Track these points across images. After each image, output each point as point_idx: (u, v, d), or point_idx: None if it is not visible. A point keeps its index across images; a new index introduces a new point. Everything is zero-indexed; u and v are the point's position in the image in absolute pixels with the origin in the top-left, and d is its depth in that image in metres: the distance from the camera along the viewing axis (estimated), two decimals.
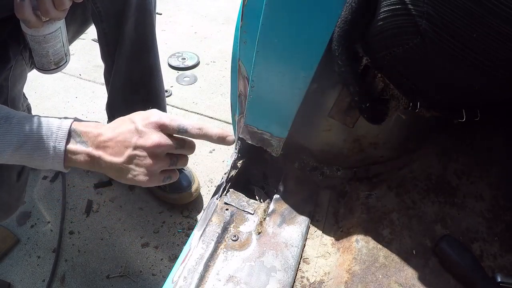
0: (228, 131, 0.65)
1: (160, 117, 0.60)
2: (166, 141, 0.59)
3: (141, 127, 0.59)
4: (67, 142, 0.59)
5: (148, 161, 0.59)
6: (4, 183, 0.81)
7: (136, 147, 0.59)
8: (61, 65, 0.88)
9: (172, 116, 0.61)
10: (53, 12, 0.72)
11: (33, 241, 1.16)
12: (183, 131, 0.60)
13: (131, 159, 0.59)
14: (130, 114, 0.63)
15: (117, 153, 0.59)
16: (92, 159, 0.60)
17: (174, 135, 0.61)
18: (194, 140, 0.64)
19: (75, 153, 0.60)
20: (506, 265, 0.63)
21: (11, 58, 0.88)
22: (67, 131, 0.60)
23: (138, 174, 0.60)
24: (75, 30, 1.03)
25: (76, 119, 0.62)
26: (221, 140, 0.64)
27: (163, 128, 0.60)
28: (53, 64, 0.86)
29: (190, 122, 0.61)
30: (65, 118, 0.62)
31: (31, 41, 0.81)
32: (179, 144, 0.61)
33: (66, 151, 0.60)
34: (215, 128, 0.63)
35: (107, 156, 0.60)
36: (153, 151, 0.59)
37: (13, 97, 0.91)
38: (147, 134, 0.59)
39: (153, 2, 1.03)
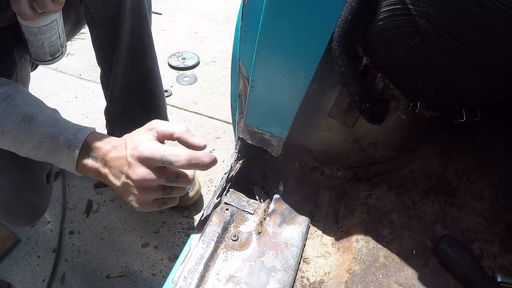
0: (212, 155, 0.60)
1: (146, 148, 0.57)
2: (151, 176, 0.57)
3: (129, 157, 0.58)
4: (80, 154, 0.62)
5: (137, 191, 0.58)
6: (38, 186, 0.83)
7: (127, 176, 0.58)
8: (57, 57, 0.88)
9: (156, 147, 0.57)
10: (49, 5, 0.72)
11: (33, 241, 1.16)
12: (167, 163, 0.57)
13: (124, 185, 0.60)
14: (130, 134, 0.62)
15: (116, 176, 0.60)
16: (100, 175, 0.62)
17: (165, 167, 0.58)
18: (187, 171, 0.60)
19: (85, 166, 0.63)
20: (506, 265, 0.63)
21: (17, 61, 0.89)
22: (81, 143, 0.62)
23: (132, 200, 0.60)
24: (68, 30, 1.03)
25: (93, 132, 0.63)
26: (213, 163, 0.60)
27: (148, 161, 0.57)
28: (48, 55, 0.86)
29: (175, 153, 0.56)
30: (85, 127, 0.64)
31: (26, 32, 0.80)
32: (169, 179, 0.58)
33: (78, 163, 0.62)
34: (205, 156, 0.58)
35: (110, 176, 0.61)
36: (142, 184, 0.57)
37: None
38: (133, 167, 0.57)
39: (148, 5, 1.02)
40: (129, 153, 0.58)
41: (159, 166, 0.57)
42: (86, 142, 0.62)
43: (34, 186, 0.82)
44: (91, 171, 0.63)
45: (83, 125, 0.65)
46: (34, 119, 0.63)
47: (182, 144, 0.60)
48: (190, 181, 0.60)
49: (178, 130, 0.60)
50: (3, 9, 0.77)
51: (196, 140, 0.60)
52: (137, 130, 0.63)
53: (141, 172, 0.57)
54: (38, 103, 0.67)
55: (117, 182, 0.60)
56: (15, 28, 0.86)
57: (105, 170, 0.61)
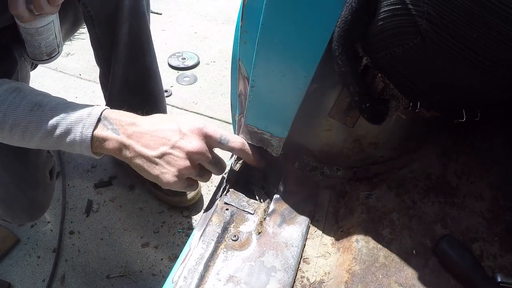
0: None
1: (205, 126, 0.60)
2: (206, 149, 0.60)
3: (185, 130, 0.59)
4: (95, 128, 0.60)
5: (183, 163, 0.59)
6: (41, 183, 0.83)
7: (174, 147, 0.59)
8: (53, 56, 0.89)
9: (215, 127, 0.61)
10: (46, 7, 0.73)
11: (33, 241, 1.16)
12: (225, 141, 0.61)
13: (165, 156, 0.59)
14: (172, 115, 0.63)
15: (151, 146, 0.59)
16: (121, 146, 0.61)
17: (213, 150, 0.62)
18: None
19: (104, 139, 0.60)
20: (506, 265, 0.63)
21: (17, 60, 0.89)
22: (97, 118, 0.60)
23: (167, 172, 0.60)
24: (67, 29, 1.03)
25: (108, 108, 0.63)
26: (259, 163, 0.65)
27: (207, 137, 0.60)
28: (45, 55, 0.87)
29: (231, 135, 0.63)
30: (99, 105, 0.63)
31: (24, 33, 0.81)
32: (215, 159, 0.61)
33: (94, 138, 0.60)
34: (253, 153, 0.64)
35: (138, 146, 0.60)
36: (191, 156, 0.59)
37: None
38: (190, 138, 0.59)
39: (146, 4, 1.02)
40: (185, 126, 0.59)
41: (211, 145, 0.61)
42: (103, 115, 0.61)
43: (38, 182, 0.82)
44: (109, 145, 0.61)
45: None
46: (44, 106, 0.62)
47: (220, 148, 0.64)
48: (224, 169, 0.63)
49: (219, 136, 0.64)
50: (1, 12, 0.78)
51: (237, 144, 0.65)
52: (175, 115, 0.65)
53: (198, 144, 0.58)
54: (46, 93, 0.67)
55: (151, 152, 0.59)
56: (14, 27, 0.86)
57: (129, 141, 0.60)
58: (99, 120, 0.60)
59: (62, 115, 0.61)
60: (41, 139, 0.62)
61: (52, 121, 0.61)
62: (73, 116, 0.60)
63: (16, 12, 0.73)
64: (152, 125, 0.61)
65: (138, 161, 0.60)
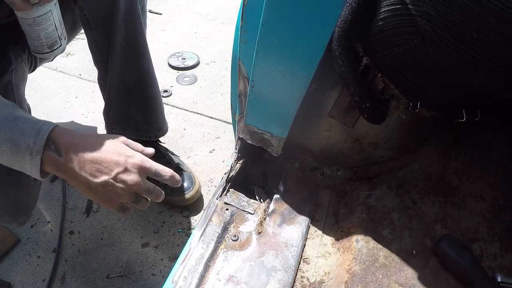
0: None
1: (143, 161, 0.66)
2: (141, 183, 0.65)
3: (128, 164, 0.65)
4: (44, 151, 0.62)
5: (121, 192, 0.64)
6: (24, 185, 0.82)
7: (116, 178, 0.64)
8: (55, 49, 0.88)
9: (151, 161, 0.67)
10: None
11: (33, 241, 1.16)
12: (157, 175, 0.67)
13: (106, 184, 0.64)
14: (110, 141, 0.67)
15: (94, 175, 0.64)
16: (63, 169, 0.64)
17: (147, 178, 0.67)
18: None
19: (50, 160, 0.63)
20: (506, 265, 0.63)
21: (12, 60, 0.89)
22: (44, 141, 0.62)
23: (104, 200, 0.65)
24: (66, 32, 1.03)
25: (54, 129, 0.64)
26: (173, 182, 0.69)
27: (144, 171, 0.66)
28: (46, 47, 0.86)
29: (163, 168, 0.68)
30: (45, 124, 0.64)
31: (22, 24, 0.81)
32: (149, 189, 0.67)
33: (43, 158, 0.62)
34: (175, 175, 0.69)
35: (82, 172, 0.63)
36: (130, 188, 0.64)
37: (20, 99, 0.92)
38: (130, 173, 0.65)
39: (141, 6, 1.02)
40: (127, 160, 0.65)
41: (146, 177, 0.67)
42: (48, 139, 0.62)
43: (20, 183, 0.81)
44: (54, 167, 0.64)
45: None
46: None
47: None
48: (160, 197, 0.69)
49: (141, 148, 0.71)
50: None
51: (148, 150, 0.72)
52: (106, 135, 0.70)
53: (136, 178, 0.65)
54: None
55: (95, 179, 0.63)
56: (12, 27, 0.86)
57: (72, 165, 0.63)
58: (46, 143, 0.62)
59: (10, 138, 0.61)
60: None
61: (1, 139, 0.61)
62: (21, 143, 0.62)
63: (10, 0, 0.73)
64: (98, 153, 0.64)
65: (81, 186, 0.65)
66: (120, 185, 0.64)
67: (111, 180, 0.63)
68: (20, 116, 0.64)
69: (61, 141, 0.63)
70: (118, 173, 0.64)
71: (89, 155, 0.64)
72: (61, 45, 0.89)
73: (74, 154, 0.63)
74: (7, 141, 0.61)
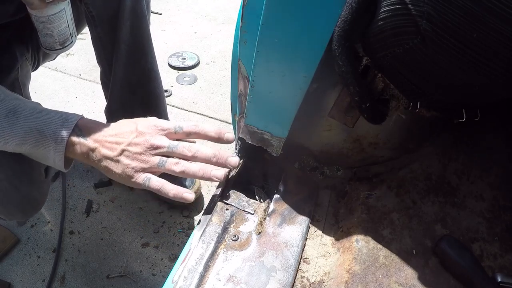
0: (225, 130, 0.69)
1: (159, 120, 0.66)
2: (158, 140, 0.64)
3: (141, 128, 0.65)
4: (70, 134, 0.64)
5: (139, 156, 0.63)
6: (36, 180, 0.83)
7: (130, 144, 0.64)
8: (67, 45, 0.90)
9: (169, 121, 0.67)
10: None
11: (33, 241, 1.16)
12: (178, 129, 0.66)
13: (124, 152, 0.64)
14: (140, 119, 0.68)
15: (113, 148, 0.64)
16: (89, 151, 0.65)
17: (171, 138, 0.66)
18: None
19: (74, 143, 0.65)
20: (506, 265, 0.63)
21: (18, 58, 0.90)
22: (72, 127, 0.64)
23: (127, 167, 0.64)
24: None
25: (81, 118, 0.67)
26: (220, 137, 0.68)
27: (162, 130, 0.65)
28: (58, 44, 0.88)
29: (186, 122, 0.67)
30: (72, 115, 0.66)
31: (36, 22, 0.82)
32: (171, 145, 0.65)
33: (68, 143, 0.64)
34: (211, 127, 0.68)
35: (102, 149, 0.65)
36: (145, 147, 0.64)
37: (26, 97, 0.93)
38: (145, 134, 0.64)
39: (146, 5, 1.02)
40: (142, 125, 0.65)
41: (169, 136, 0.66)
42: (76, 126, 0.65)
43: (32, 179, 0.82)
44: (77, 149, 0.65)
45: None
46: (19, 113, 0.64)
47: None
48: (190, 151, 0.65)
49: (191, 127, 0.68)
50: (2, 6, 0.78)
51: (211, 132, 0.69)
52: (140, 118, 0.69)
53: (149, 137, 0.64)
54: (19, 97, 0.68)
55: (112, 153, 0.64)
56: (16, 25, 0.86)
57: (95, 145, 0.65)
58: (73, 127, 0.65)
59: (36, 127, 0.64)
60: (17, 145, 0.65)
61: (26, 131, 0.63)
62: (47, 131, 0.64)
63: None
64: (114, 129, 0.66)
65: (104, 163, 0.65)
66: (135, 148, 0.63)
67: (126, 147, 0.64)
68: (47, 109, 0.66)
69: (86, 125, 0.66)
70: (132, 139, 0.64)
71: (109, 132, 0.65)
72: (72, 41, 0.91)
73: (97, 135, 0.65)
74: (33, 130, 0.63)
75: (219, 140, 0.68)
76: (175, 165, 0.64)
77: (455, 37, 0.44)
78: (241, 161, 0.73)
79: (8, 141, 0.64)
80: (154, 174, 0.65)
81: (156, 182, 0.64)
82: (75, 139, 0.65)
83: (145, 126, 0.65)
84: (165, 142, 0.65)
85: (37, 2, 0.76)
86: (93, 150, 0.65)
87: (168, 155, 0.65)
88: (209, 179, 0.64)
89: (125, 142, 0.64)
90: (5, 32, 0.87)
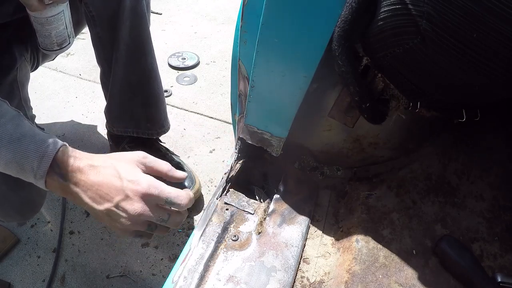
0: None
1: (147, 187, 0.59)
2: (148, 213, 0.59)
3: (128, 191, 0.58)
4: (49, 172, 0.59)
5: (125, 222, 0.59)
6: (34, 184, 0.82)
7: (117, 206, 0.59)
8: (64, 46, 0.91)
9: (160, 185, 0.60)
10: None
11: (33, 241, 1.16)
12: (170, 204, 0.60)
13: (109, 212, 0.59)
14: (118, 163, 0.61)
15: (97, 201, 0.59)
16: (69, 192, 0.60)
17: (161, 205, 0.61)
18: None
19: (53, 182, 0.60)
20: (506, 265, 0.63)
21: (17, 58, 0.90)
22: (49, 163, 0.59)
23: (112, 226, 0.60)
24: None
25: (61, 150, 0.60)
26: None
27: (150, 199, 0.59)
28: (56, 45, 0.89)
29: (178, 195, 0.60)
30: (51, 143, 0.60)
31: (34, 23, 0.83)
32: (162, 218, 0.60)
33: (47, 180, 0.60)
34: (190, 202, 0.62)
35: (85, 197, 0.60)
36: (133, 218, 0.59)
37: (24, 98, 0.93)
38: (132, 201, 0.58)
39: (146, 5, 1.02)
40: (128, 186, 0.58)
41: (157, 203, 0.60)
42: (53, 161, 0.59)
43: (31, 183, 0.82)
44: (58, 190, 0.61)
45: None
46: (1, 140, 0.59)
47: (168, 179, 0.63)
48: (178, 223, 0.62)
49: (166, 169, 0.63)
50: (1, 6, 0.78)
51: (180, 174, 0.64)
52: (122, 154, 0.63)
53: (139, 207, 0.58)
54: (2, 126, 0.61)
55: (97, 207, 0.59)
56: (15, 25, 0.86)
57: (76, 189, 0.60)
58: (51, 166, 0.59)
59: (14, 160, 0.59)
60: (2, 169, 0.61)
61: (6, 160, 0.59)
62: (26, 166, 0.59)
63: (26, 1, 0.74)
64: (98, 175, 0.60)
65: (88, 208, 0.61)
66: (123, 214, 0.58)
67: (114, 208, 0.59)
68: (25, 134, 0.60)
69: (66, 165, 0.60)
70: (119, 201, 0.58)
71: (92, 179, 0.59)
72: (69, 43, 0.91)
73: (78, 178, 0.59)
74: (12, 162, 0.59)
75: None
76: (163, 231, 0.63)
77: (455, 37, 0.44)
78: (241, 161, 0.73)
79: None
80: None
81: (147, 237, 0.64)
82: (53, 179, 0.59)
83: (132, 190, 0.58)
84: (154, 217, 0.59)
85: (36, 4, 0.76)
86: (73, 193, 0.60)
87: (155, 223, 0.62)
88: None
89: (111, 202, 0.59)
90: (5, 32, 0.88)
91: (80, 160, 0.60)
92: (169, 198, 0.59)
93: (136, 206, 0.58)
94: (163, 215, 0.60)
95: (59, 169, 0.59)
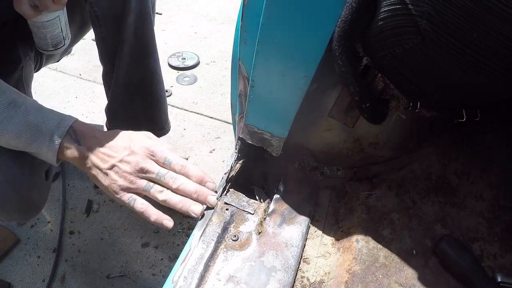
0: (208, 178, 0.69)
1: (154, 145, 0.67)
2: (149, 165, 0.65)
3: (135, 147, 0.66)
4: (64, 137, 0.65)
5: (127, 176, 0.64)
6: (36, 184, 0.83)
7: (122, 161, 0.65)
8: (59, 48, 0.94)
9: (164, 147, 0.67)
10: (51, 5, 0.77)
11: (33, 241, 1.16)
12: (168, 163, 0.67)
13: (113, 167, 0.65)
14: (131, 131, 0.69)
15: (104, 159, 0.65)
16: (81, 157, 0.66)
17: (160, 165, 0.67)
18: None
19: (67, 147, 0.66)
20: (506, 265, 0.63)
21: (22, 58, 0.91)
22: (66, 129, 0.65)
23: (114, 183, 0.65)
24: (74, 33, 1.03)
25: (77, 120, 0.67)
26: (201, 183, 0.68)
27: (152, 154, 0.66)
28: (51, 46, 0.91)
29: (176, 156, 0.67)
30: (68, 116, 0.67)
31: (30, 25, 0.85)
32: (160, 172, 0.66)
33: (62, 144, 0.65)
34: (196, 170, 0.68)
35: (94, 158, 0.66)
36: (134, 167, 0.65)
37: (28, 96, 0.93)
38: (136, 155, 0.65)
39: (151, 5, 1.02)
40: (135, 143, 0.66)
41: (157, 162, 0.66)
42: (71, 127, 0.65)
43: (33, 182, 0.82)
44: (72, 154, 0.66)
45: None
46: (18, 107, 0.64)
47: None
48: (174, 183, 0.66)
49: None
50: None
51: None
52: (135, 132, 0.70)
53: (141, 159, 0.65)
54: (19, 92, 0.69)
55: (103, 165, 0.65)
56: (21, 26, 0.87)
57: (88, 153, 0.66)
58: (67, 132, 0.65)
59: (33, 120, 0.64)
60: (11, 138, 0.65)
61: (23, 125, 0.64)
62: (44, 127, 0.65)
63: (20, 10, 0.77)
64: (109, 140, 0.67)
65: (93, 171, 0.66)
66: (125, 167, 0.64)
67: (117, 163, 0.64)
68: (43, 107, 0.67)
69: (82, 130, 0.66)
70: (124, 156, 0.65)
71: (103, 143, 0.66)
72: (64, 44, 0.94)
73: (91, 143, 0.66)
74: (30, 125, 0.64)
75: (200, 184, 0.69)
76: (159, 193, 0.66)
77: (455, 37, 0.44)
78: (241, 161, 0.73)
79: (3, 134, 0.64)
80: (138, 195, 0.66)
81: (140, 205, 0.66)
82: (69, 142, 0.65)
83: (139, 146, 0.66)
84: (155, 168, 0.66)
85: (31, 12, 0.78)
86: (85, 157, 0.66)
87: (154, 181, 0.66)
88: (187, 212, 0.65)
89: (117, 158, 0.65)
90: (10, 31, 0.88)
91: (94, 130, 0.68)
92: (168, 158, 0.66)
93: (138, 158, 0.65)
94: (161, 170, 0.66)
95: (75, 135, 0.66)
